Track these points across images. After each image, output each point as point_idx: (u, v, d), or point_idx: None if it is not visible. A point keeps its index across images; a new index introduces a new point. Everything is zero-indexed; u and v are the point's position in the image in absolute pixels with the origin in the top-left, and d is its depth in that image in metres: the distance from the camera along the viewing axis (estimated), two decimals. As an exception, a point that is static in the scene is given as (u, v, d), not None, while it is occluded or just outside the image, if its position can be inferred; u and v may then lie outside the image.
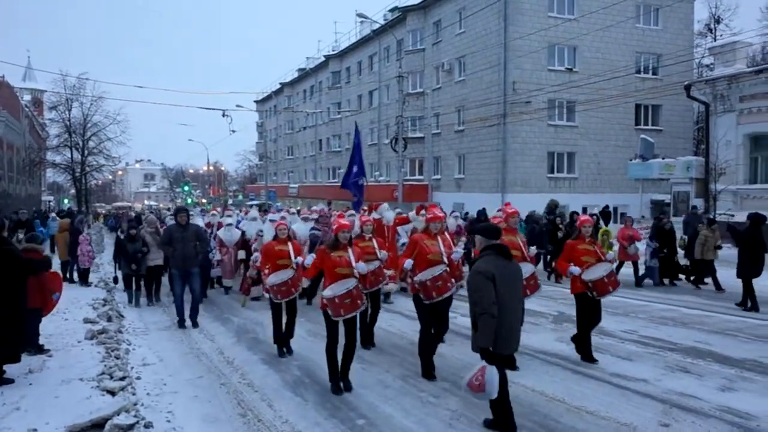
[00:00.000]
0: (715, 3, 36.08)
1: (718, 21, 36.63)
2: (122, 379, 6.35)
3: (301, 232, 12.07)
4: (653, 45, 29.57)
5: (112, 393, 5.91)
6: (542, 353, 7.57)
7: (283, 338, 7.72)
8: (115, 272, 13.30)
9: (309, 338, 8.53)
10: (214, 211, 16.83)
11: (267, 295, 7.72)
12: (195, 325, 9.42)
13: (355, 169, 14.61)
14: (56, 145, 41.07)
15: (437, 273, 6.45)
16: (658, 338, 8.34)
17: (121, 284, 12.73)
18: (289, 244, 7.61)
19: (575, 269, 6.97)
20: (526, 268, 6.80)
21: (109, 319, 9.55)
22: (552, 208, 17.06)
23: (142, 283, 11.88)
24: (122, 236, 12.56)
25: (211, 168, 72.07)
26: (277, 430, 5.29)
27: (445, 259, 6.63)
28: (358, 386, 6.36)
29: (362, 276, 6.40)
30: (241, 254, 12.40)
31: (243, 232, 12.98)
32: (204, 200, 73.24)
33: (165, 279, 12.57)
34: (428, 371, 6.60)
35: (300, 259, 7.33)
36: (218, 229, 13.19)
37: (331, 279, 6.21)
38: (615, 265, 9.26)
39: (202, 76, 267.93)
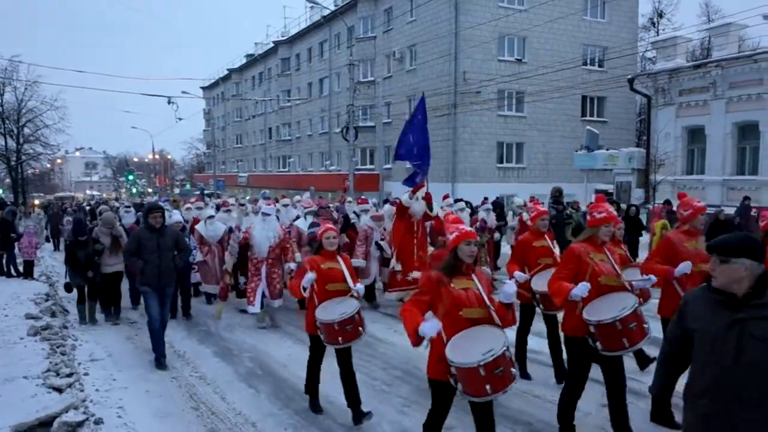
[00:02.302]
0: (658, -3, 37.31)
1: (660, 15, 37.96)
2: (69, 375, 6.20)
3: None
4: (599, 38, 30.38)
5: (59, 390, 5.76)
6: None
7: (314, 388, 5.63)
8: (66, 278, 10.15)
9: (261, 330, 8.51)
10: (189, 204, 12.33)
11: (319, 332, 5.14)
12: (160, 355, 6.98)
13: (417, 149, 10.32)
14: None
15: (629, 310, 4.19)
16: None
17: (74, 293, 9.91)
18: (340, 259, 5.32)
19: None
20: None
21: (53, 315, 9.26)
22: (557, 196, 15.91)
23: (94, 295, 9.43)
24: (64, 238, 10.96)
25: (157, 156, 70.34)
26: (231, 422, 5.29)
27: (627, 285, 4.58)
28: (311, 377, 6.40)
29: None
30: (229, 262, 9.31)
31: (230, 228, 10.31)
32: (150, 190, 71.45)
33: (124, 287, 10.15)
34: None
35: (360, 287, 5.25)
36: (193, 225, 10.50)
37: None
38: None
39: (146, 61, 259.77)
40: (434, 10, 28.60)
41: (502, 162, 29.23)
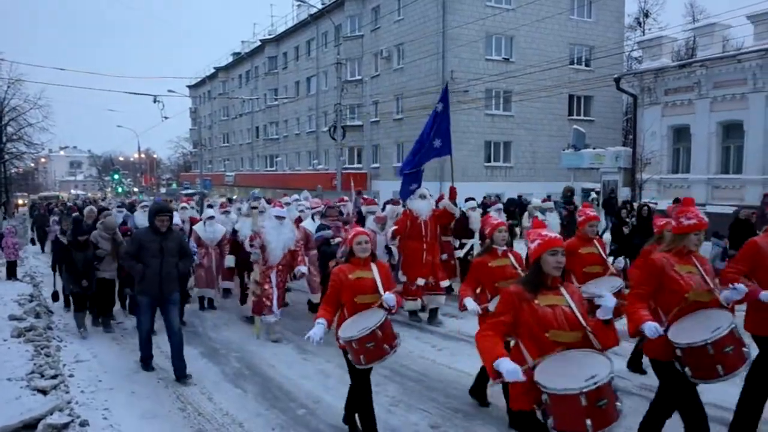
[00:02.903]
0: (644, -3, 37.61)
1: (646, 15, 38.25)
2: (54, 377, 6.13)
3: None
4: (586, 37, 30.54)
5: (44, 392, 5.70)
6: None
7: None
8: (54, 286, 9.70)
9: (248, 329, 8.47)
10: (185, 203, 12.15)
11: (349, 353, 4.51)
12: (182, 376, 6.29)
13: (437, 143, 9.74)
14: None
15: (724, 331, 3.56)
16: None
17: (61, 302, 9.73)
18: (374, 267, 4.66)
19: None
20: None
21: (37, 316, 9.15)
22: (569, 196, 14.74)
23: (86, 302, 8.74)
24: (61, 238, 9.60)
25: (143, 156, 69.80)
26: (218, 422, 5.26)
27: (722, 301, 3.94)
28: (299, 376, 6.40)
29: None
30: (230, 260, 9.33)
31: (234, 230, 9.76)
32: (136, 189, 70.91)
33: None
34: None
35: (391, 297, 4.51)
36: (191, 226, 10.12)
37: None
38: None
39: (132, 60, 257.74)
40: (422, 9, 28.61)
41: (489, 161, 29.31)
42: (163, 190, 65.76)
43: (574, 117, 30.36)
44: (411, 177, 9.54)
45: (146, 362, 6.70)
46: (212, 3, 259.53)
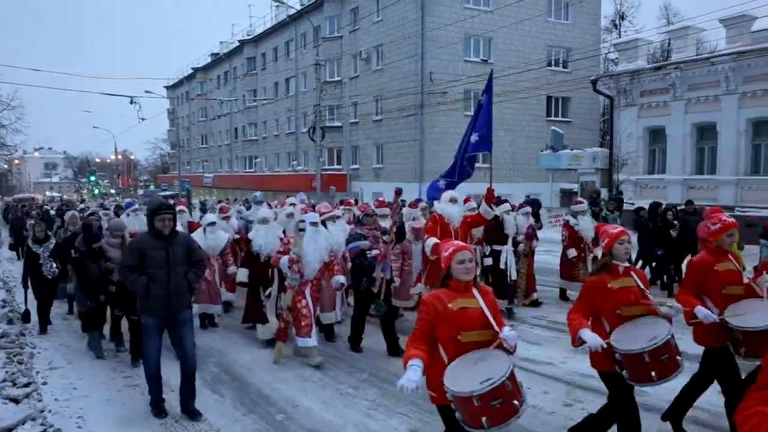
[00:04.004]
0: (620, 0, 38.14)
1: (622, 17, 38.79)
2: (27, 385, 6.01)
3: (335, 244, 7.45)
4: (563, 39, 30.85)
5: (16, 401, 5.59)
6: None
7: None
8: (26, 303, 8.74)
9: (226, 334, 8.40)
10: (183, 206, 10.45)
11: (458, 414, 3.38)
12: (194, 414, 5.40)
13: (474, 138, 8.68)
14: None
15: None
16: (564, 322, 8.75)
17: (57, 321, 8.82)
18: (477, 293, 3.60)
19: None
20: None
21: (10, 322, 8.96)
22: (594, 197, 13.91)
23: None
24: (34, 248, 8.50)
25: (120, 157, 68.91)
26: (195, 428, 5.20)
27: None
28: (277, 381, 6.36)
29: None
30: (242, 275, 8.07)
31: (235, 239, 9.18)
32: (113, 191, 70.00)
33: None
34: None
35: (513, 335, 3.50)
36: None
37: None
38: None
39: (108, 60, 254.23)
40: (400, 11, 28.66)
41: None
42: (140, 191, 64.97)
43: (552, 118, 30.65)
44: (446, 175, 8.86)
45: (158, 407, 5.49)
46: (190, 3, 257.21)
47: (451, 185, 8.60)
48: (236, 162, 50.00)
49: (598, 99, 29.51)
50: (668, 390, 4.82)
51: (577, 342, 3.93)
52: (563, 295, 10.26)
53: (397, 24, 29.16)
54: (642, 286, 4.02)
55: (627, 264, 4.08)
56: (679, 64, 18.86)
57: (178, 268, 5.32)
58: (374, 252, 7.22)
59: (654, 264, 11.34)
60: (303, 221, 6.95)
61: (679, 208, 11.80)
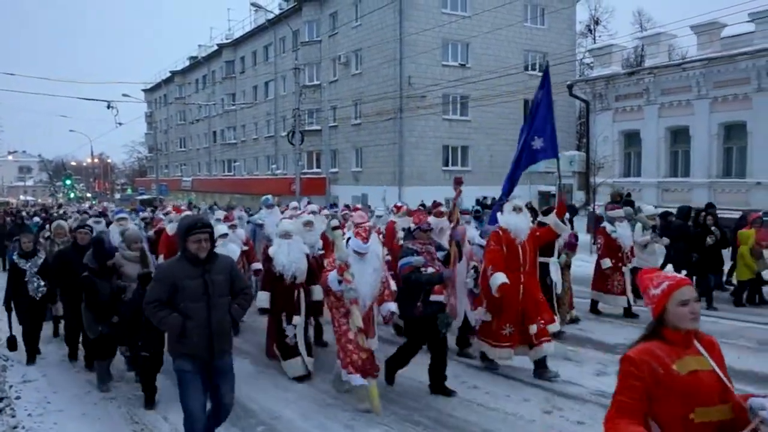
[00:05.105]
0: (594, 6, 38.71)
1: (597, 22, 39.40)
2: (-1, 400, 5.92)
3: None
4: (540, 44, 31.16)
5: (-12, 417, 5.49)
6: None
7: None
8: (11, 329, 7.59)
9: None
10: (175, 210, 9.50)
11: None
12: None
13: (539, 144, 7.76)
14: None
15: None
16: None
17: (22, 347, 7.57)
18: (701, 348, 2.55)
19: None
20: None
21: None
22: (618, 201, 13.06)
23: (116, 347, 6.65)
24: (19, 262, 7.38)
25: (96, 160, 67.99)
26: (173, 443, 5.16)
27: None
28: (257, 391, 6.33)
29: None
30: (262, 300, 6.85)
31: (243, 251, 8.50)
32: (89, 195, 69.01)
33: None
34: None
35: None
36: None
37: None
38: None
39: (84, 64, 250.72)
40: (379, 16, 28.72)
41: (447, 165, 29.60)
42: (117, 195, 64.16)
43: (530, 122, 30.89)
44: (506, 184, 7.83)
45: None
46: (168, 6, 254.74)
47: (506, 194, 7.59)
48: (215, 165, 49.65)
49: (575, 103, 29.86)
50: None
51: None
52: (594, 308, 9.78)
53: (375, 28, 29.22)
54: (718, 370, 2.51)
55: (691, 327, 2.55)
56: (653, 69, 19.18)
57: (220, 301, 4.29)
58: (429, 270, 5.97)
59: (684, 273, 10.60)
60: (338, 225, 6.01)
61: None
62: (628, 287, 9.34)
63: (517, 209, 6.66)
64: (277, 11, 35.55)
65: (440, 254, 6.20)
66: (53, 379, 6.93)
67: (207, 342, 4.22)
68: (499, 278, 6.25)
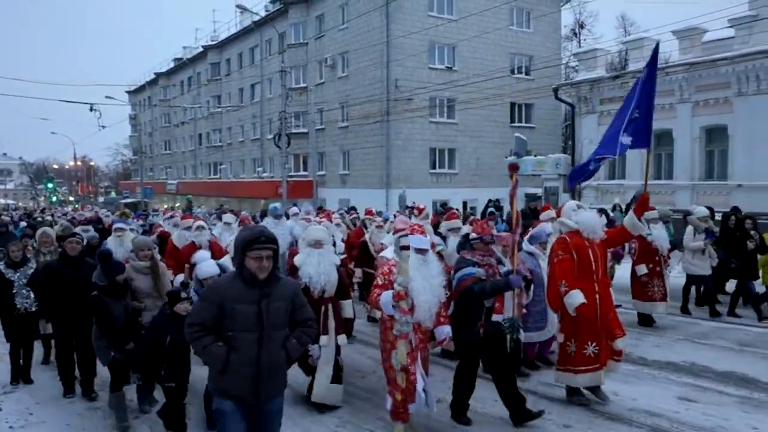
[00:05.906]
0: (579, 9, 39.05)
1: (582, 26, 39.72)
2: (-20, 411, 5.81)
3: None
4: (526, 47, 31.36)
5: (-31, 429, 5.37)
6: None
7: None
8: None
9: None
10: (201, 222, 8.39)
11: None
12: None
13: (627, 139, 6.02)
14: None
15: None
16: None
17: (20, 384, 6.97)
18: None
19: None
20: None
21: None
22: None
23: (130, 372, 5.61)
24: (7, 273, 6.71)
25: (79, 163, 67.33)
26: (159, 453, 5.10)
27: None
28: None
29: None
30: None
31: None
32: (72, 198, 68.32)
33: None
34: None
35: None
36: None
37: None
38: None
39: (67, 66, 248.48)
40: (366, 18, 28.73)
41: (435, 168, 29.70)
42: (101, 198, 63.58)
43: (516, 124, 31.10)
44: (578, 172, 6.63)
45: None
46: (153, 8, 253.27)
47: (575, 175, 6.71)
48: (200, 168, 49.36)
49: (561, 105, 30.08)
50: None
51: None
52: (644, 321, 9.03)
53: (362, 31, 29.23)
54: None
55: None
56: (636, 73, 19.29)
57: (275, 333, 3.59)
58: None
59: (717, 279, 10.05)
60: (404, 236, 5.03)
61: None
62: (668, 292, 8.81)
63: (582, 207, 5.93)
64: (263, 13, 35.45)
65: (503, 269, 5.48)
66: (35, 389, 6.79)
67: (253, 383, 3.52)
68: (578, 298, 5.53)
